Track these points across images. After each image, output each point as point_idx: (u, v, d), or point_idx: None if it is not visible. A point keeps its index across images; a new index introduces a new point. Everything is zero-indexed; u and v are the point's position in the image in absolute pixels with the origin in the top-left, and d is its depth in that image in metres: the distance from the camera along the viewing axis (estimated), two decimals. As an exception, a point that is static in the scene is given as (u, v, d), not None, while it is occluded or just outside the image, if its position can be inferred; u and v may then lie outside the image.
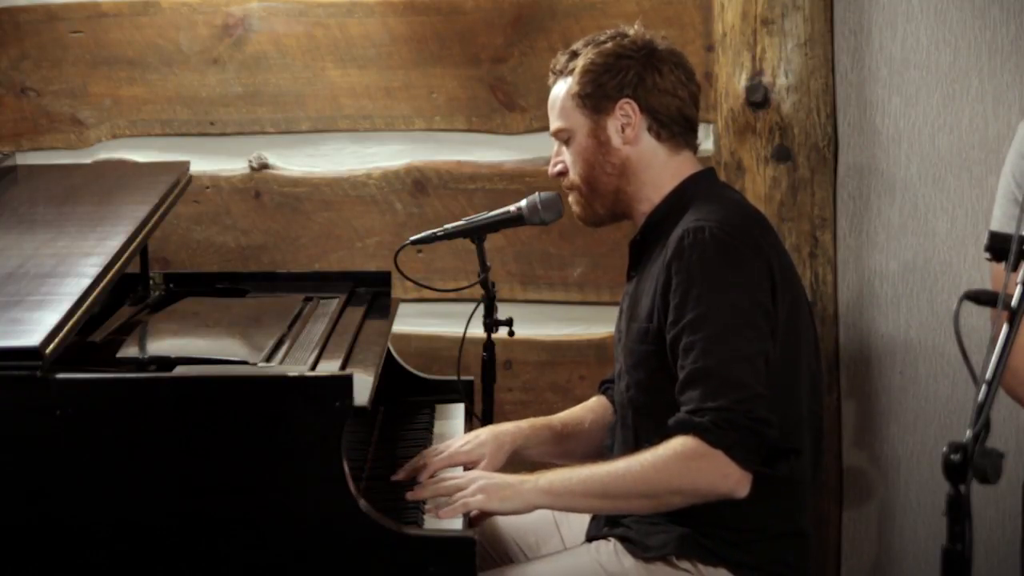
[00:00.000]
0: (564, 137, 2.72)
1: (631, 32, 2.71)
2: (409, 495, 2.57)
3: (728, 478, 2.43)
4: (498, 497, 2.50)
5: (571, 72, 2.69)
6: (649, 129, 2.67)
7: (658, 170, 2.68)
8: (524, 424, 2.85)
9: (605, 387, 2.94)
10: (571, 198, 2.76)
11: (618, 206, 2.72)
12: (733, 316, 2.49)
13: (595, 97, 2.66)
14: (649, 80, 2.66)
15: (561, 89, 2.71)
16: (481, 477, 2.56)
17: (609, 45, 2.68)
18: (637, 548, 2.59)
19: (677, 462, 2.44)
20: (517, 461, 2.80)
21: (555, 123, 2.72)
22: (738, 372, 2.45)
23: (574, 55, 2.70)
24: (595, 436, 2.88)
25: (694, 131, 2.72)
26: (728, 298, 2.50)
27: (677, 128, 2.68)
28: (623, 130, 2.66)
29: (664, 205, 2.67)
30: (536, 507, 2.54)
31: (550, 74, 2.75)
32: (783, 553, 2.62)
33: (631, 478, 2.47)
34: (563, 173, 2.74)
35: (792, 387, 2.59)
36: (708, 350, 2.46)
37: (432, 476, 2.69)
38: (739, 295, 2.51)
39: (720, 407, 2.42)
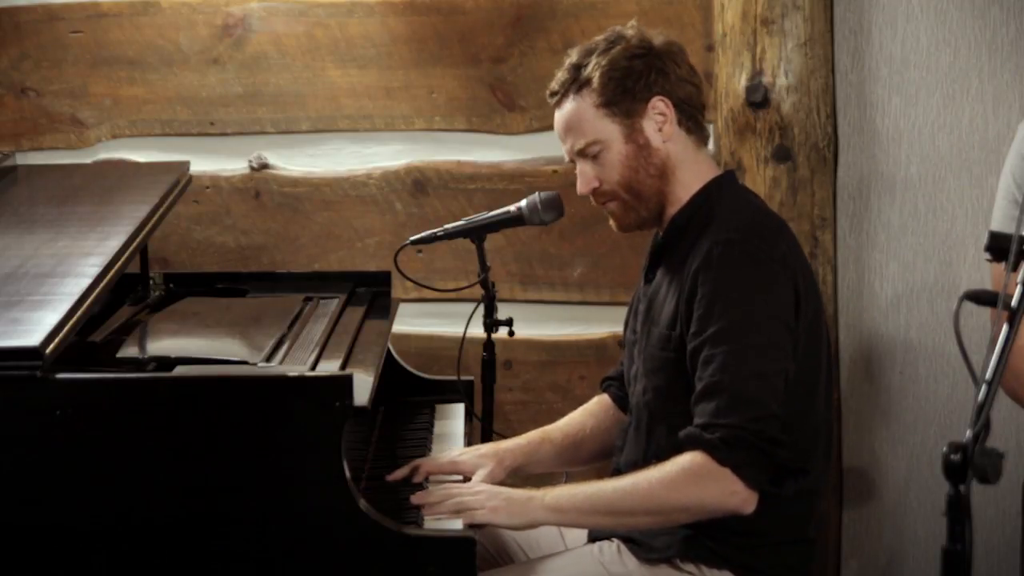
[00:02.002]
0: (595, 151, 2.63)
1: (628, 33, 2.66)
2: (414, 498, 2.55)
3: (735, 496, 2.42)
4: (505, 512, 2.49)
5: (583, 86, 2.62)
6: (679, 123, 2.64)
7: (689, 166, 2.64)
8: (523, 441, 2.84)
9: (607, 384, 2.93)
10: (610, 208, 2.67)
11: (659, 208, 2.66)
12: (755, 333, 2.47)
13: (625, 102, 2.61)
14: (671, 72, 2.63)
15: (578, 105, 2.63)
16: (488, 491, 2.55)
17: (618, 49, 2.63)
18: (640, 549, 2.59)
19: (684, 479, 2.43)
20: (519, 477, 2.80)
21: (581, 140, 2.63)
22: (754, 390, 2.43)
23: (578, 68, 2.63)
24: (598, 441, 2.88)
25: (705, 123, 2.71)
26: (752, 314, 2.48)
27: (700, 116, 2.66)
28: (660, 128, 2.62)
29: (688, 207, 2.64)
30: (542, 524, 2.55)
31: (551, 96, 2.67)
32: (788, 557, 2.62)
33: (638, 495, 2.46)
34: (596, 190, 2.66)
35: (809, 397, 2.58)
36: (726, 365, 2.44)
37: (426, 478, 2.69)
38: (763, 312, 2.49)
39: (731, 424, 2.41)
